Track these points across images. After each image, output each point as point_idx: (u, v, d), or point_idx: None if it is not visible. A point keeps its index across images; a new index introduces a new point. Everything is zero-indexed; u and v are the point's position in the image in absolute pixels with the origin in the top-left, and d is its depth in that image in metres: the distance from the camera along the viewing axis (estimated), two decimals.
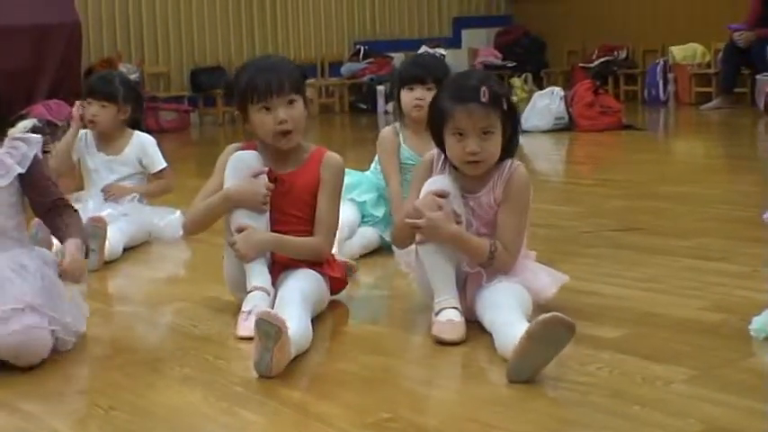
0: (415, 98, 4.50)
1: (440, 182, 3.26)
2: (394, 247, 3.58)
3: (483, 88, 3.19)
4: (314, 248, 3.49)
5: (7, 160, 3.18)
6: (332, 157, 3.58)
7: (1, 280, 3.06)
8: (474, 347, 3.04)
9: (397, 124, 4.66)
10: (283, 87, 3.45)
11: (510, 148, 3.30)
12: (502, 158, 3.29)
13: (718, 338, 3.04)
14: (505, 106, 3.23)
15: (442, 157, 3.34)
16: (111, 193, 4.99)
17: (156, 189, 5.18)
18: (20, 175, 3.18)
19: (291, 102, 3.47)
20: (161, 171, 5.17)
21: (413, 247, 3.33)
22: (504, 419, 2.51)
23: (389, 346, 3.14)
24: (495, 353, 2.82)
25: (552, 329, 2.67)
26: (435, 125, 3.30)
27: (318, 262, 3.49)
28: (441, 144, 3.31)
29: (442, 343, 3.04)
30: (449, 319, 3.10)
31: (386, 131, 4.65)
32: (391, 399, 2.65)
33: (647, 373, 2.74)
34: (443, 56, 5.03)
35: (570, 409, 2.54)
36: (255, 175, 3.44)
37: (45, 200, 3.27)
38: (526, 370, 2.71)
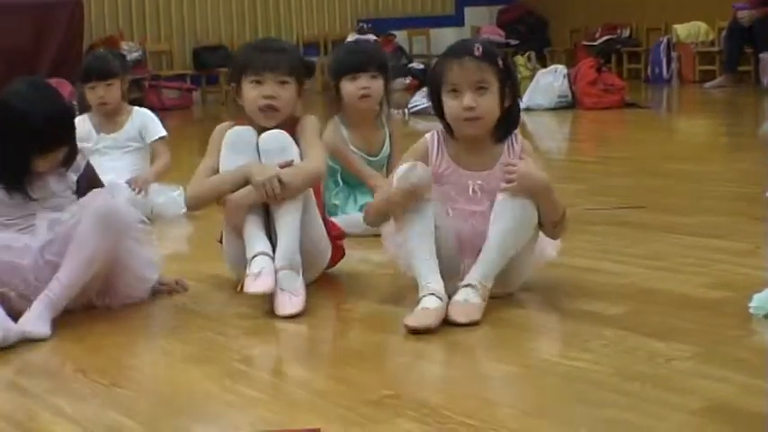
0: (361, 87, 4.35)
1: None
2: (383, 234, 3.45)
3: (476, 44, 3.24)
4: (314, 167, 3.44)
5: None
6: (306, 116, 3.59)
7: None
8: (475, 325, 3.04)
9: (337, 118, 4.48)
10: (278, 66, 3.45)
11: (511, 119, 3.31)
12: (506, 133, 3.30)
13: (720, 316, 3.03)
14: (500, 64, 3.24)
15: (436, 139, 3.32)
16: (138, 186, 4.95)
17: (162, 167, 5.18)
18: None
19: (283, 83, 3.46)
20: (161, 138, 5.20)
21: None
22: (506, 396, 2.51)
23: (390, 324, 3.13)
24: (495, 330, 2.80)
25: None
26: (434, 91, 3.30)
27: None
28: (442, 115, 3.29)
29: (412, 332, 2.94)
30: (423, 307, 3.01)
31: (328, 132, 4.41)
32: (393, 376, 2.65)
33: (649, 349, 2.73)
34: (377, 41, 4.95)
35: (572, 385, 2.53)
36: (282, 166, 3.35)
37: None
38: None
